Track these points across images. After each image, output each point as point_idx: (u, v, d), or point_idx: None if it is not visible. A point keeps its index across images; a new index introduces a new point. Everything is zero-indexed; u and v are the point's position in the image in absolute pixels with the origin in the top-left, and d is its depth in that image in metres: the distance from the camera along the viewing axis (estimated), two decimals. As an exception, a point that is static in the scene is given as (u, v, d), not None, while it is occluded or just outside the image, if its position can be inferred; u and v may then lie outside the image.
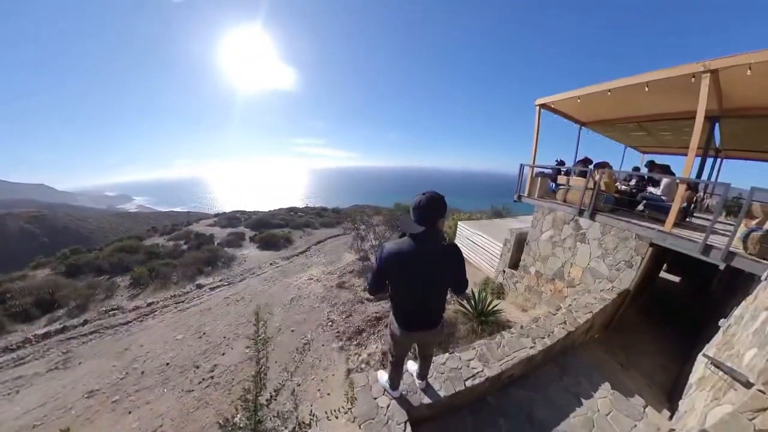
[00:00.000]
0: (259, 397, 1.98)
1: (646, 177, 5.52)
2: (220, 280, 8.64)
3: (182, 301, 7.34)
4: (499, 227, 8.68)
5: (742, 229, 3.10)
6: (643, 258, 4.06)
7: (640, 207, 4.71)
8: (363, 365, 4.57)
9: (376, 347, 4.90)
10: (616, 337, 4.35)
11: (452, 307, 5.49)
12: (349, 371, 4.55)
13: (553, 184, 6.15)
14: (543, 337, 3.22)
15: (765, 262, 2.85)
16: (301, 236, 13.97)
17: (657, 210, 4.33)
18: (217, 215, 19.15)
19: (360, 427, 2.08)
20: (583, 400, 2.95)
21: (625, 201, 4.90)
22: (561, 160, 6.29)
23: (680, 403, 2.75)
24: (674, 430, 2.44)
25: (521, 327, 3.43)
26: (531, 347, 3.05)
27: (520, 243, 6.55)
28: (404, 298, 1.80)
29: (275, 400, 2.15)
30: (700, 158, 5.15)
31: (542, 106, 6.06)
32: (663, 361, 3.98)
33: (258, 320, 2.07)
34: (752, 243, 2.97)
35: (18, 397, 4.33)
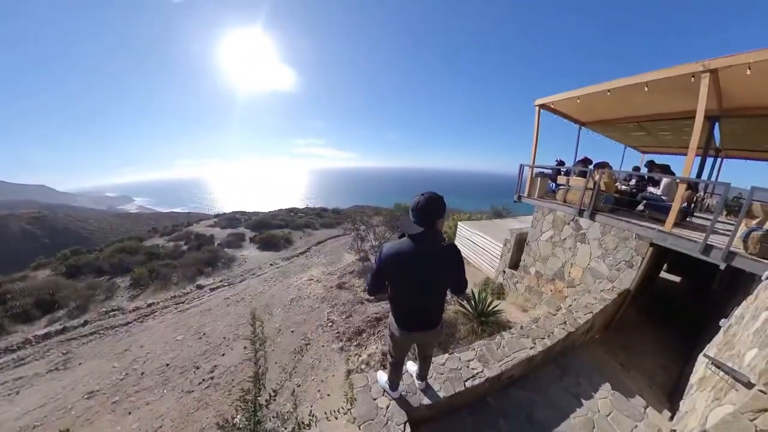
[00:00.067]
0: (258, 398, 1.98)
1: (646, 177, 5.51)
2: (220, 281, 8.64)
3: (182, 302, 7.35)
4: (499, 227, 8.68)
5: (742, 229, 3.09)
6: (643, 258, 4.06)
7: (640, 207, 4.70)
8: (363, 366, 4.57)
9: (376, 348, 4.90)
10: (617, 337, 4.34)
11: (452, 307, 5.48)
12: (349, 372, 4.55)
13: (553, 185, 6.15)
14: (543, 338, 3.22)
15: (765, 261, 2.84)
16: (301, 237, 13.98)
17: (657, 210, 4.33)
18: (217, 216, 19.17)
19: (359, 428, 2.07)
20: (583, 401, 2.94)
21: (625, 201, 4.90)
22: (561, 161, 6.28)
23: (681, 403, 2.74)
24: (675, 430, 2.43)
25: (521, 327, 3.42)
26: (531, 348, 3.04)
27: (520, 243, 6.54)
28: (404, 299, 1.80)
29: (274, 400, 2.15)
30: (700, 158, 5.14)
31: (542, 106, 6.06)
32: (664, 361, 3.97)
33: (254, 321, 2.07)
34: (753, 243, 2.97)
35: (18, 397, 4.33)
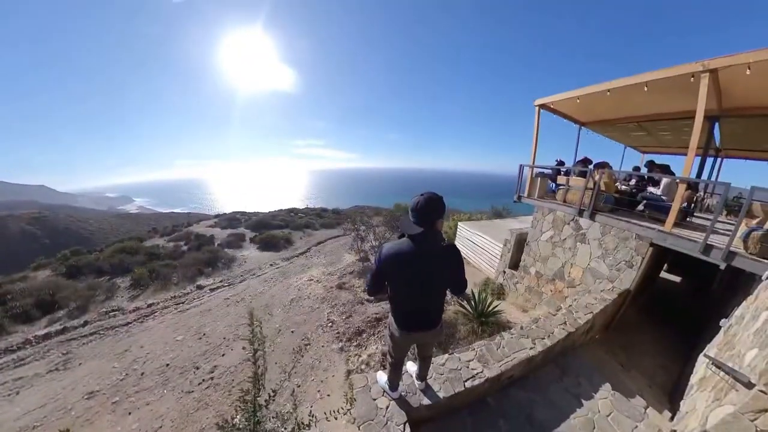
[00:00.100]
0: (258, 398, 1.98)
1: (646, 177, 5.51)
2: (221, 281, 8.64)
3: (182, 302, 7.35)
4: (499, 228, 8.67)
5: (742, 229, 3.09)
6: (643, 258, 4.05)
7: (640, 207, 4.70)
8: (363, 366, 4.56)
9: (376, 348, 4.90)
10: (617, 337, 4.33)
11: (452, 308, 5.48)
12: (348, 372, 4.55)
13: (553, 185, 6.15)
14: (543, 338, 3.21)
15: (766, 261, 2.84)
16: (301, 237, 13.98)
17: (657, 210, 4.32)
18: (217, 216, 19.19)
19: (359, 428, 2.07)
20: (583, 401, 2.94)
21: (625, 201, 4.90)
22: (561, 161, 6.28)
23: (681, 403, 2.73)
24: (675, 430, 2.42)
25: (521, 328, 3.42)
26: (531, 348, 3.04)
27: (520, 243, 6.54)
28: (403, 299, 1.80)
29: (273, 400, 2.14)
30: (699, 158, 5.14)
31: (541, 106, 6.06)
32: (664, 361, 3.96)
33: (252, 321, 2.06)
34: (753, 242, 2.96)
35: (18, 398, 4.33)
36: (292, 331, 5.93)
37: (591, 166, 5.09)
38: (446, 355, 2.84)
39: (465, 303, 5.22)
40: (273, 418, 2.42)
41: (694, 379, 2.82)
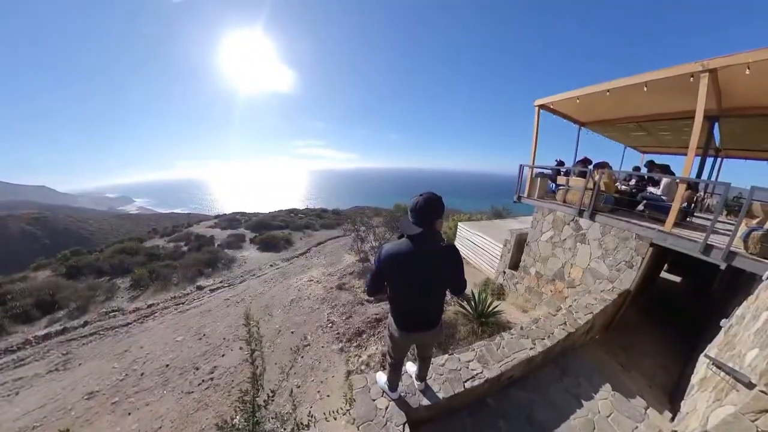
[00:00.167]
0: (257, 399, 1.98)
1: (645, 177, 5.50)
2: (221, 282, 8.64)
3: (182, 303, 7.35)
4: (499, 228, 8.67)
5: (742, 229, 3.09)
6: (643, 258, 4.05)
7: (640, 207, 4.69)
8: (363, 367, 4.56)
9: (376, 349, 4.89)
10: (617, 337, 4.33)
11: (452, 308, 5.48)
12: (348, 373, 4.54)
13: (553, 185, 6.14)
14: (543, 338, 3.21)
15: (766, 261, 2.83)
16: (301, 238, 13.99)
17: (657, 210, 4.32)
18: (217, 217, 19.20)
19: (358, 429, 2.07)
20: (583, 402, 2.93)
21: (625, 201, 4.89)
22: (561, 161, 6.28)
23: (682, 404, 2.72)
24: (676, 431, 2.42)
25: (521, 328, 3.42)
26: (531, 348, 3.04)
27: (520, 244, 6.53)
28: (403, 299, 1.79)
29: (272, 401, 2.14)
30: (699, 158, 5.13)
31: (541, 106, 6.06)
32: (664, 361, 3.95)
33: (248, 322, 2.06)
34: (753, 242, 2.96)
35: (18, 398, 4.33)
36: (292, 332, 5.93)
37: (591, 167, 5.09)
38: (446, 356, 2.84)
39: (465, 303, 5.21)
40: (272, 418, 2.42)
41: (694, 379, 2.82)
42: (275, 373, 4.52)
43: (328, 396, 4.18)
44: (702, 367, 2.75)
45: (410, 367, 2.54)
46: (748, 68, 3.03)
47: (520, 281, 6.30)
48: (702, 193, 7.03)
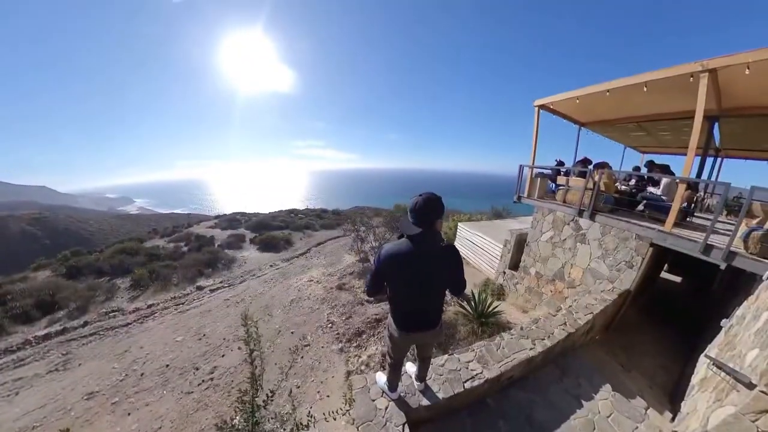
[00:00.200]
0: (256, 399, 1.98)
1: (645, 177, 5.50)
2: (221, 282, 8.64)
3: (182, 303, 7.35)
4: (499, 228, 8.66)
5: (742, 229, 3.08)
6: (643, 258, 4.05)
7: (640, 207, 4.69)
8: (363, 367, 4.56)
9: (376, 349, 4.89)
10: (617, 337, 4.32)
11: (452, 308, 5.48)
12: (348, 373, 4.54)
13: (553, 185, 6.14)
14: (543, 339, 3.20)
15: (766, 261, 2.83)
16: (301, 238, 13.99)
17: (657, 210, 4.32)
18: (217, 217, 19.20)
19: (358, 429, 2.06)
20: (583, 402, 2.93)
21: (625, 201, 4.89)
22: (560, 161, 6.28)
23: (682, 404, 2.72)
24: (676, 431, 2.41)
25: (521, 328, 3.41)
26: (531, 349, 3.03)
27: (520, 244, 6.53)
28: (402, 299, 1.79)
29: (272, 401, 2.14)
30: (699, 158, 5.13)
31: (541, 107, 6.06)
32: (664, 361, 3.95)
33: (246, 322, 2.06)
34: (753, 242, 2.95)
35: (18, 398, 4.33)
36: (292, 332, 5.93)
37: (591, 167, 5.09)
38: (446, 356, 2.83)
39: (465, 304, 5.21)
40: (272, 419, 2.41)
41: (695, 379, 2.81)
42: (275, 374, 4.52)
43: (327, 396, 4.18)
44: (702, 367, 2.75)
45: (410, 368, 2.54)
46: (748, 68, 3.03)
47: (520, 281, 6.29)
48: (702, 193, 7.03)
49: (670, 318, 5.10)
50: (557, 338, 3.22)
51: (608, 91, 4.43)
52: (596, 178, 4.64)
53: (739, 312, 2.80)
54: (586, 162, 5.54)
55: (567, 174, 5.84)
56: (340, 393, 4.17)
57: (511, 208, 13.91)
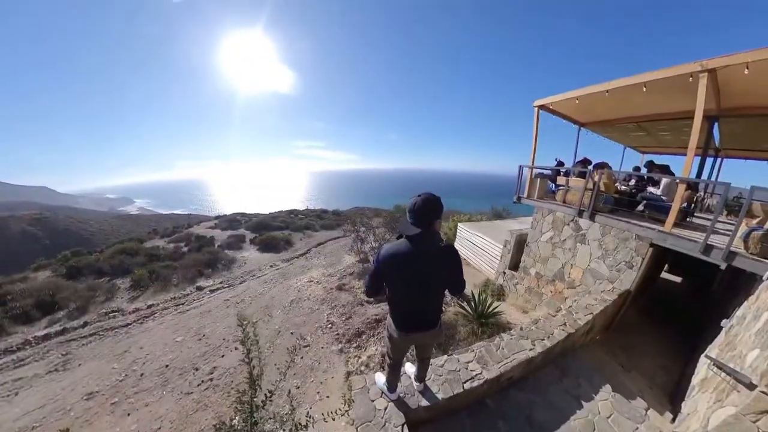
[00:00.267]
0: (254, 399, 1.97)
1: (645, 177, 5.50)
2: (220, 283, 8.64)
3: (182, 304, 7.35)
4: (499, 229, 8.66)
5: (742, 229, 3.08)
6: (643, 258, 4.04)
7: (640, 207, 4.69)
8: (362, 368, 4.55)
9: (376, 349, 4.88)
10: (617, 338, 4.32)
11: (452, 309, 5.47)
12: (348, 374, 4.53)
13: (553, 185, 6.14)
14: (543, 339, 3.20)
15: (766, 261, 2.83)
16: (301, 238, 13.98)
17: (657, 210, 4.31)
18: (217, 217, 19.20)
19: (357, 430, 2.06)
20: (583, 403, 2.92)
21: (625, 201, 4.89)
22: (560, 161, 6.28)
23: (683, 405, 2.71)
24: (676, 432, 2.41)
25: (521, 329, 3.41)
26: (531, 349, 3.03)
27: (520, 244, 6.53)
28: (402, 300, 1.79)
29: (271, 401, 2.14)
30: (699, 158, 5.13)
31: (541, 107, 6.06)
32: (664, 362, 3.94)
33: (242, 322, 2.06)
34: (753, 242, 2.95)
35: (17, 398, 4.32)
36: (292, 333, 5.92)
37: (590, 167, 5.09)
38: (445, 357, 2.83)
39: (465, 304, 5.20)
40: (271, 419, 2.41)
41: (695, 380, 2.81)
42: (275, 374, 4.51)
43: (327, 397, 4.17)
44: (703, 367, 2.74)
45: (409, 368, 2.54)
46: (747, 68, 3.03)
47: (520, 282, 6.29)
48: (702, 193, 7.02)
49: (670, 318, 5.09)
50: (557, 339, 3.22)
51: (608, 91, 4.43)
52: (596, 178, 4.64)
53: (739, 312, 2.79)
54: (585, 162, 5.54)
55: (567, 174, 5.84)
56: (340, 393, 4.17)
57: (511, 209, 13.91)
